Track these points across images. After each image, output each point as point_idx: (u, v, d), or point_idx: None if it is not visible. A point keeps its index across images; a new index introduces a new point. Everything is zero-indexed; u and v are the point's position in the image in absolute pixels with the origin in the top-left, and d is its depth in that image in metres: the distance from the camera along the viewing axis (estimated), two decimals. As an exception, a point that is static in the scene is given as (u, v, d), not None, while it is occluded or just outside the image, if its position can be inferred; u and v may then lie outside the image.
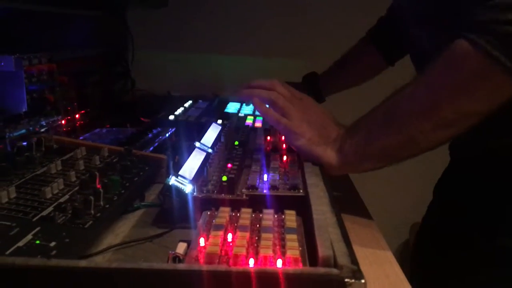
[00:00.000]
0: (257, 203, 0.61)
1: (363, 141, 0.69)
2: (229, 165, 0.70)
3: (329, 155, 0.71)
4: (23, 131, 0.82)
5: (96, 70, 1.23)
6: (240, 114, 1.23)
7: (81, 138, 0.96)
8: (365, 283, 0.38)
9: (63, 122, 1.01)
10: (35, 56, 0.94)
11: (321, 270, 0.40)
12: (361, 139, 0.69)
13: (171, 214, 0.64)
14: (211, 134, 0.89)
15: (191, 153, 0.76)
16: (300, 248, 0.47)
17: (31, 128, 0.85)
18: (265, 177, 0.66)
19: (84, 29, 1.25)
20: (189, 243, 0.51)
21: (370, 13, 1.15)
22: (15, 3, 1.00)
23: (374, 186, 1.53)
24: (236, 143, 0.85)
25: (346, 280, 0.38)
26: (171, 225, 0.62)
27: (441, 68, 0.63)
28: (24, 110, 0.91)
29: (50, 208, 0.56)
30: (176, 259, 0.48)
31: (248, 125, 1.09)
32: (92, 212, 0.56)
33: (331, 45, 1.26)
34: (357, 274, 0.39)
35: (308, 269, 0.41)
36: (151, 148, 0.88)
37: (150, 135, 0.96)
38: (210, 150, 0.80)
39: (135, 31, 1.44)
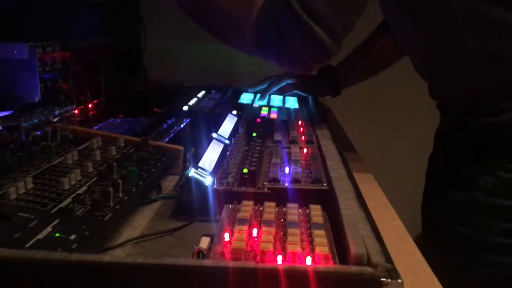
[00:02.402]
0: (279, 196, 0.59)
1: None
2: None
3: None
4: (37, 120, 0.81)
5: (109, 60, 1.21)
6: (254, 105, 1.21)
7: (95, 128, 0.95)
8: (402, 283, 0.37)
9: (76, 111, 0.99)
10: (49, 44, 0.93)
11: (354, 268, 0.38)
12: None
13: (190, 206, 0.62)
14: (228, 125, 0.87)
15: (207, 144, 0.74)
16: (329, 245, 0.45)
17: (44, 117, 0.84)
18: (287, 169, 0.64)
19: (97, 17, 1.23)
20: (212, 238, 0.49)
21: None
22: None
23: (391, 177, 1.52)
24: (254, 134, 0.83)
25: (382, 279, 0.37)
26: (190, 218, 0.61)
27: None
28: (37, 99, 0.90)
29: (68, 200, 0.54)
30: (200, 254, 0.46)
31: (264, 116, 1.07)
32: (111, 204, 0.54)
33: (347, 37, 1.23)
34: (393, 273, 0.37)
35: (340, 267, 0.40)
36: (166, 139, 0.86)
37: (165, 126, 0.94)
38: (227, 141, 0.79)
39: (148, 21, 1.42)
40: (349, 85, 1.18)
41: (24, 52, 0.87)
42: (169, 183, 0.75)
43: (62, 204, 0.53)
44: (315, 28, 0.70)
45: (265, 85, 1.25)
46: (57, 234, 0.46)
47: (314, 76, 1.20)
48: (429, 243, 0.92)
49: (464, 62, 0.79)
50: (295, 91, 1.23)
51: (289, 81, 1.20)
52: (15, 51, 0.88)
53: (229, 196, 0.60)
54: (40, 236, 0.45)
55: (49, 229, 0.47)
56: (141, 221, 0.61)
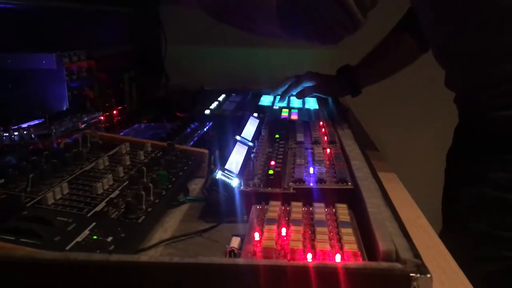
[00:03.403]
0: (304, 196, 0.60)
1: None
2: (273, 162, 0.70)
3: None
4: (67, 128, 0.83)
5: (131, 66, 1.24)
6: (274, 107, 1.23)
7: (121, 133, 0.97)
8: (431, 278, 0.38)
9: (102, 118, 1.02)
10: (75, 53, 0.96)
11: (383, 264, 0.39)
12: None
13: (218, 208, 0.64)
14: (250, 127, 0.89)
15: (231, 146, 0.76)
16: (357, 242, 0.46)
17: (73, 125, 0.86)
18: (311, 170, 0.65)
19: (118, 26, 1.26)
20: (242, 238, 0.51)
21: (400, 2, 1.12)
22: (51, 2, 1.01)
23: (413, 174, 1.51)
24: (277, 136, 0.84)
25: (411, 274, 0.38)
26: (218, 219, 0.62)
27: None
28: (66, 107, 0.93)
29: (103, 204, 0.56)
30: (232, 253, 0.48)
31: (285, 118, 1.09)
32: (144, 207, 0.56)
33: (364, 35, 1.24)
34: (422, 268, 0.38)
35: (370, 263, 0.41)
36: (191, 143, 0.88)
37: (188, 130, 0.97)
38: (251, 144, 0.80)
39: (168, 27, 1.45)
40: (369, 84, 1.18)
41: (52, 62, 0.90)
42: (195, 185, 0.77)
43: (97, 208, 0.55)
44: None
45: (285, 87, 1.26)
46: (95, 237, 0.48)
47: (333, 76, 1.20)
48: (446, 239, 0.92)
49: (481, 52, 0.79)
50: (314, 94, 1.24)
51: (308, 84, 1.20)
52: (43, 61, 0.91)
53: (255, 197, 0.61)
54: (79, 239, 0.48)
55: (86, 232, 0.49)
56: (171, 223, 0.63)
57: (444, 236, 0.94)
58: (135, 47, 1.30)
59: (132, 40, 1.30)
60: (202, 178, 0.80)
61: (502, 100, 0.78)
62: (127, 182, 0.63)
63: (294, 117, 1.11)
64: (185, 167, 0.73)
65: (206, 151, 0.81)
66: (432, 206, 1.03)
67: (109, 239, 0.48)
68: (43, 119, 0.84)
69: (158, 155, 0.75)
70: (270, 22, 0.80)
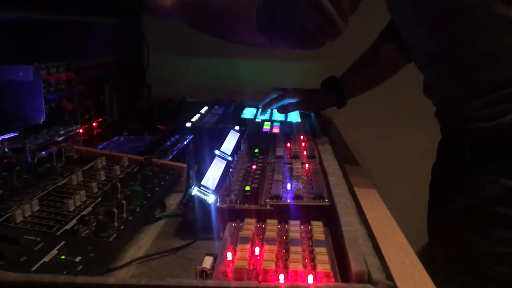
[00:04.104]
0: (281, 213, 0.59)
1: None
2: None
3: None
4: (42, 141, 0.82)
5: (113, 77, 1.22)
6: (257, 120, 1.22)
7: (99, 147, 0.96)
8: (402, 300, 0.37)
9: (80, 130, 1.00)
10: (53, 65, 0.94)
11: (355, 286, 0.39)
12: None
13: (194, 225, 0.63)
14: (230, 141, 0.88)
15: (210, 161, 0.75)
16: (330, 262, 0.45)
17: (49, 138, 0.85)
18: (289, 186, 0.65)
19: (100, 36, 1.25)
20: (215, 257, 0.50)
21: (384, 13, 1.13)
22: (31, 13, 1.00)
23: (394, 187, 1.52)
24: (256, 150, 0.84)
25: (383, 297, 0.37)
26: (194, 236, 0.61)
27: None
28: (42, 120, 0.91)
29: (74, 221, 0.55)
30: (204, 274, 0.47)
31: (266, 131, 1.08)
32: (116, 224, 0.55)
33: (347, 47, 1.24)
34: (394, 290, 0.38)
35: (341, 285, 0.40)
36: (170, 157, 0.87)
37: (168, 143, 0.96)
38: (230, 158, 0.79)
39: (150, 37, 1.44)
40: (355, 95, 1.19)
41: (29, 74, 0.89)
42: (173, 201, 0.76)
43: (68, 226, 0.54)
44: None
45: (268, 100, 1.25)
46: (63, 257, 0.47)
47: (318, 90, 1.20)
48: (434, 254, 0.92)
49: (459, 59, 0.79)
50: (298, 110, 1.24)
51: (292, 101, 1.20)
52: (20, 73, 0.89)
53: (232, 213, 0.61)
54: (46, 259, 0.46)
55: (54, 251, 0.48)
56: (145, 240, 0.62)
57: (431, 251, 0.94)
58: (117, 57, 1.29)
59: (113, 50, 1.29)
60: (180, 193, 0.79)
61: (488, 111, 0.77)
62: (100, 198, 0.62)
63: (276, 130, 1.10)
64: (162, 182, 0.72)
65: (184, 165, 0.80)
66: (413, 221, 1.03)
67: (78, 259, 0.47)
68: (17, 132, 0.82)
69: (135, 170, 0.74)
70: (251, 31, 0.80)
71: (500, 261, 0.81)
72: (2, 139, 0.78)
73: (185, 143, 0.98)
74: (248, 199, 0.62)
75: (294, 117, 1.26)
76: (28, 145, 0.77)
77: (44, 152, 0.79)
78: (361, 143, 1.48)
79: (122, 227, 0.55)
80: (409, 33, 0.89)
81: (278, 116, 1.26)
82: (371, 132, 1.82)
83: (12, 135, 0.83)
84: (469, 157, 0.82)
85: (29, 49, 1.01)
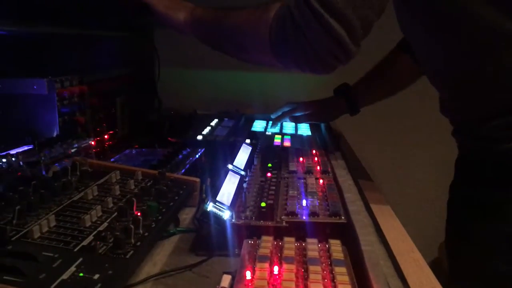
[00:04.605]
0: (297, 229, 0.59)
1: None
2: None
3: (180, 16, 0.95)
4: (57, 154, 0.82)
5: (124, 90, 1.23)
6: (267, 133, 1.23)
7: (112, 160, 0.96)
8: (427, 324, 0.37)
9: (92, 143, 1.01)
10: (67, 78, 0.95)
11: (378, 308, 0.38)
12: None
13: (209, 241, 0.62)
14: (243, 155, 0.88)
15: (223, 175, 0.75)
16: (351, 283, 0.45)
17: (63, 151, 0.85)
18: (304, 202, 0.65)
19: (112, 49, 1.26)
20: (233, 275, 0.50)
21: (397, 24, 1.13)
22: (44, 27, 1.01)
23: (402, 205, 1.51)
24: (270, 165, 0.83)
25: (407, 320, 0.37)
26: (209, 252, 0.61)
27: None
28: (56, 133, 0.92)
29: (90, 237, 0.55)
30: (223, 293, 0.46)
31: (277, 145, 1.08)
32: (133, 241, 0.55)
33: (359, 60, 1.24)
34: (418, 313, 0.37)
35: (364, 307, 0.40)
36: (183, 171, 0.87)
37: (180, 157, 0.96)
38: (243, 173, 0.79)
39: (161, 50, 1.45)
40: (368, 103, 1.18)
41: (43, 88, 0.89)
42: (186, 215, 0.76)
43: (85, 242, 0.54)
44: (331, 21, 0.69)
45: (279, 113, 1.26)
46: (81, 274, 0.47)
47: (330, 98, 1.20)
48: (458, 279, 0.90)
49: (475, 80, 0.78)
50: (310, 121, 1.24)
51: (304, 113, 1.20)
52: (35, 87, 0.90)
53: (247, 230, 0.60)
54: (64, 276, 0.46)
55: (73, 268, 0.48)
56: (160, 256, 0.62)
57: (453, 276, 0.92)
58: (128, 70, 1.29)
59: (125, 64, 1.30)
60: (193, 207, 0.78)
61: (506, 132, 0.76)
62: (116, 213, 0.62)
63: (287, 143, 1.10)
64: (176, 197, 0.72)
65: (197, 179, 0.80)
66: (426, 236, 1.02)
67: (96, 276, 0.47)
68: (32, 146, 0.83)
69: (149, 184, 0.74)
70: (263, 52, 0.80)
71: None
72: (17, 152, 0.78)
73: (197, 156, 0.98)
74: (264, 215, 0.62)
75: (304, 130, 1.27)
76: (43, 158, 0.77)
77: (58, 165, 0.80)
78: (370, 157, 1.47)
79: (138, 243, 0.55)
80: (421, 53, 0.89)
81: (288, 129, 1.26)
82: (381, 146, 1.81)
83: (26, 148, 0.84)
84: (493, 178, 0.80)
85: (42, 62, 1.02)
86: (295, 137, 1.18)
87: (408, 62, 1.09)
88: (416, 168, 1.84)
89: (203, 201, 0.80)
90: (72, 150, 0.89)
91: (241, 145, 0.93)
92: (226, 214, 0.62)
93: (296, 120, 1.25)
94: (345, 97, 1.17)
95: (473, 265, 0.86)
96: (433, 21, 0.78)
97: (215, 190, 0.67)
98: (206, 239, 0.63)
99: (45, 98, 0.90)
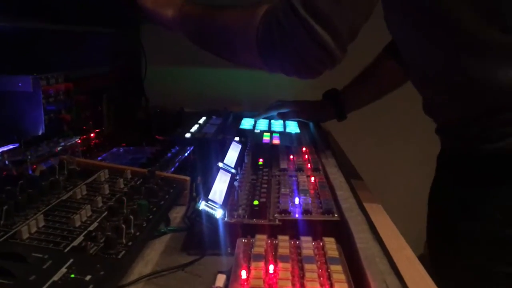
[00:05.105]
0: (290, 227, 0.59)
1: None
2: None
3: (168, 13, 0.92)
4: (43, 153, 0.81)
5: (110, 87, 1.21)
6: (255, 131, 1.22)
7: (99, 158, 0.95)
8: (425, 321, 0.37)
9: (79, 141, 0.99)
10: (52, 75, 0.93)
11: (376, 306, 0.38)
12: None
13: (202, 240, 0.62)
14: (233, 153, 0.88)
15: (213, 173, 0.74)
16: (347, 281, 0.45)
17: (49, 150, 0.84)
18: (297, 200, 0.64)
19: (98, 46, 1.24)
20: (227, 275, 0.49)
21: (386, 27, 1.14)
22: (29, 23, 0.99)
23: (389, 202, 1.51)
24: (260, 163, 0.83)
25: (406, 318, 0.37)
26: (201, 251, 0.60)
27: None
28: (41, 131, 0.90)
29: (81, 238, 0.54)
30: (218, 293, 0.46)
31: (266, 143, 1.08)
32: (124, 241, 0.54)
33: (348, 60, 1.24)
34: (416, 311, 0.37)
35: (362, 305, 0.39)
36: (172, 169, 0.86)
37: (169, 155, 0.94)
38: (233, 171, 0.79)
39: (148, 46, 1.43)
40: (355, 108, 1.19)
41: (29, 85, 0.88)
42: (176, 214, 0.75)
43: (75, 243, 0.52)
44: (317, 27, 0.69)
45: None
46: (72, 275, 0.46)
47: (318, 101, 1.20)
48: (438, 275, 0.91)
49: (457, 84, 0.79)
50: (298, 119, 1.24)
51: (292, 109, 1.20)
52: (20, 84, 0.88)
53: (240, 228, 0.60)
54: (55, 278, 0.45)
55: (64, 270, 0.47)
56: (152, 256, 0.61)
57: (436, 272, 0.93)
58: (115, 67, 1.28)
59: (112, 60, 1.28)
60: (184, 206, 0.77)
61: (489, 133, 0.77)
62: (106, 213, 0.61)
63: (276, 141, 1.10)
64: (167, 196, 0.71)
65: (188, 178, 0.79)
66: (413, 232, 1.02)
67: (88, 277, 0.46)
68: (17, 144, 0.81)
69: (138, 183, 0.73)
70: (250, 54, 0.79)
71: (508, 284, 0.80)
72: (2, 151, 0.76)
73: (186, 154, 0.97)
74: (257, 213, 0.61)
75: (293, 128, 1.26)
76: (29, 157, 0.76)
77: (45, 164, 0.78)
78: (358, 154, 1.48)
79: (130, 243, 0.54)
80: (407, 54, 0.89)
81: (277, 127, 1.25)
82: (368, 143, 1.82)
83: (11, 146, 0.82)
84: (475, 177, 0.81)
85: (27, 59, 1.00)
86: (283, 134, 1.18)
87: (395, 67, 1.10)
88: (402, 165, 1.85)
89: (193, 200, 0.79)
90: (59, 149, 0.87)
91: (231, 143, 0.92)
92: (218, 213, 0.61)
93: (284, 117, 1.24)
94: (333, 103, 1.18)
95: (454, 263, 0.87)
96: (421, 23, 0.78)
97: (207, 188, 0.67)
98: (198, 238, 0.63)
99: (31, 96, 0.88)
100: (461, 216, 0.84)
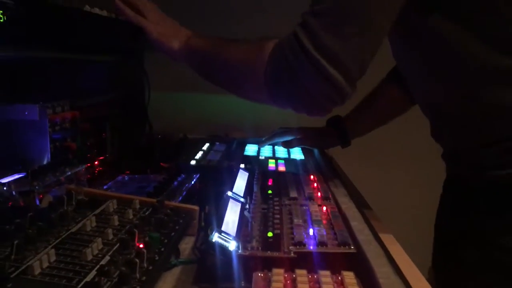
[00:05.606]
0: (306, 260, 0.58)
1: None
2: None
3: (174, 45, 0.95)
4: (50, 183, 0.79)
5: (114, 114, 1.21)
6: (260, 157, 1.21)
7: (105, 187, 0.93)
8: None
9: (83, 169, 0.98)
10: (58, 104, 0.93)
11: None
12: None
13: (215, 273, 0.60)
14: (241, 181, 0.87)
15: (223, 202, 0.73)
16: (371, 317, 0.44)
17: (56, 179, 0.82)
18: (311, 231, 0.63)
19: (102, 74, 1.23)
20: (246, 311, 0.48)
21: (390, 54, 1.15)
22: (32, 51, 0.99)
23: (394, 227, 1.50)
24: (270, 191, 0.82)
25: None
26: (213, 285, 0.59)
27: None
28: (47, 160, 0.89)
29: (93, 272, 0.52)
30: (239, 331, 0.45)
31: (272, 170, 1.07)
32: (138, 276, 0.52)
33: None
34: None
35: None
36: (180, 198, 0.85)
37: (175, 183, 0.93)
38: (243, 200, 0.78)
39: (151, 73, 1.43)
40: (359, 135, 1.19)
41: (35, 113, 0.87)
42: (185, 245, 0.73)
43: (88, 278, 0.51)
44: (328, 67, 0.69)
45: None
46: (88, 313, 0.44)
47: (322, 128, 1.20)
48: None
49: (470, 111, 0.79)
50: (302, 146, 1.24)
51: (296, 136, 1.20)
52: (26, 112, 0.87)
53: (254, 261, 0.59)
54: (70, 317, 0.44)
55: (78, 307, 0.45)
56: (164, 290, 0.59)
57: None
58: (119, 94, 1.27)
59: (115, 87, 1.28)
60: (192, 236, 0.76)
61: (499, 160, 0.77)
62: (117, 245, 0.60)
63: (282, 168, 1.09)
64: (176, 226, 0.69)
65: (196, 207, 0.77)
66: (418, 258, 1.01)
67: (104, 316, 0.44)
68: (23, 173, 0.80)
69: (147, 213, 0.72)
70: (257, 90, 0.79)
71: None
72: (9, 181, 0.75)
73: (192, 182, 0.96)
74: (271, 245, 0.60)
75: (297, 154, 1.26)
76: (36, 187, 0.74)
77: (52, 194, 0.77)
78: (361, 178, 1.47)
79: (143, 278, 0.53)
80: (415, 85, 0.89)
81: (281, 154, 1.25)
82: (371, 166, 1.81)
83: (17, 176, 0.81)
84: (482, 204, 0.80)
85: (30, 87, 0.99)
86: (288, 161, 1.18)
87: (398, 93, 1.10)
88: (406, 191, 1.84)
89: (202, 230, 0.78)
90: (64, 178, 0.86)
91: (238, 171, 0.92)
92: (232, 245, 0.60)
93: (288, 145, 1.24)
94: (336, 129, 1.17)
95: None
96: (431, 57, 0.79)
97: (218, 219, 0.66)
98: (211, 271, 0.61)
99: (37, 124, 0.87)
100: (468, 243, 0.84)
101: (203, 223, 0.78)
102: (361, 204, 0.84)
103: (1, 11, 0.78)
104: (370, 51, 0.72)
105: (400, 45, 0.85)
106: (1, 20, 0.78)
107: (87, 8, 0.94)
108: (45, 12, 0.83)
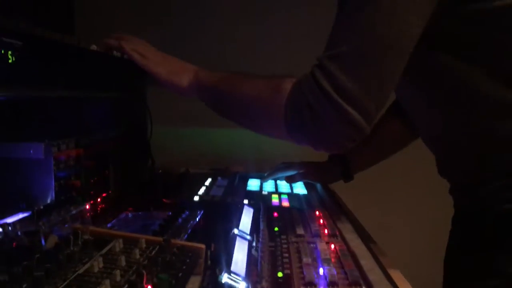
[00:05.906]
0: (317, 301, 0.57)
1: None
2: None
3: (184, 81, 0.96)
4: (55, 222, 0.79)
5: (117, 151, 1.21)
6: (263, 192, 1.21)
7: (109, 225, 0.93)
8: None
9: (87, 207, 0.98)
10: (63, 142, 0.93)
11: None
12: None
13: (224, 315, 0.60)
14: (246, 218, 0.87)
15: (230, 241, 0.73)
16: None
17: (61, 218, 0.82)
18: (321, 271, 0.63)
19: (105, 110, 1.24)
20: None
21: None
22: (33, 91, 0.99)
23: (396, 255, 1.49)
24: (276, 229, 0.82)
25: None
26: (224, 328, 0.58)
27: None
28: (51, 198, 0.88)
29: (103, 317, 0.51)
30: None
31: (276, 205, 1.07)
32: (149, 320, 0.52)
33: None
34: None
35: None
36: (185, 236, 0.85)
37: (180, 220, 0.93)
38: (249, 237, 0.77)
39: (152, 108, 1.44)
40: (361, 169, 1.19)
41: (40, 152, 0.87)
42: (192, 285, 0.72)
43: (98, 323, 0.50)
44: (349, 109, 0.70)
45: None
46: None
47: (325, 163, 1.21)
48: None
49: (476, 145, 0.80)
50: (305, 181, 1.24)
51: (299, 171, 1.20)
52: (31, 151, 0.87)
53: (265, 303, 0.58)
54: None
55: None
56: (173, 333, 0.58)
57: None
58: (121, 130, 1.28)
59: (118, 124, 1.28)
60: (198, 275, 0.75)
61: (507, 194, 0.77)
62: (126, 287, 0.59)
63: (285, 203, 1.09)
64: (184, 266, 0.69)
65: (203, 246, 0.77)
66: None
67: None
68: (28, 212, 0.79)
69: (154, 252, 0.71)
70: (275, 127, 0.79)
71: None
72: (14, 221, 0.75)
73: (197, 219, 0.95)
74: (281, 286, 0.60)
75: (300, 189, 1.26)
76: (42, 227, 0.74)
77: (55, 233, 0.76)
78: (364, 213, 1.47)
79: (155, 322, 0.52)
80: (419, 120, 0.90)
81: (284, 188, 1.25)
82: (375, 202, 1.81)
83: (21, 215, 0.80)
84: (493, 238, 0.80)
85: (37, 125, 1.00)
86: (292, 196, 1.17)
87: (400, 127, 1.11)
88: (412, 226, 1.83)
89: (208, 269, 0.77)
90: (70, 216, 0.86)
91: (243, 207, 0.92)
92: (241, 286, 0.59)
93: (291, 180, 1.24)
94: (339, 164, 1.18)
95: None
96: (434, 93, 0.80)
97: (227, 258, 0.65)
98: (220, 313, 0.60)
99: (42, 163, 0.87)
100: (477, 277, 0.83)
101: (209, 262, 0.77)
102: (367, 240, 0.83)
103: (10, 52, 0.79)
104: (387, 90, 0.74)
105: (402, 79, 0.86)
106: (9, 61, 0.80)
107: (93, 47, 0.95)
108: (52, 51, 0.84)
